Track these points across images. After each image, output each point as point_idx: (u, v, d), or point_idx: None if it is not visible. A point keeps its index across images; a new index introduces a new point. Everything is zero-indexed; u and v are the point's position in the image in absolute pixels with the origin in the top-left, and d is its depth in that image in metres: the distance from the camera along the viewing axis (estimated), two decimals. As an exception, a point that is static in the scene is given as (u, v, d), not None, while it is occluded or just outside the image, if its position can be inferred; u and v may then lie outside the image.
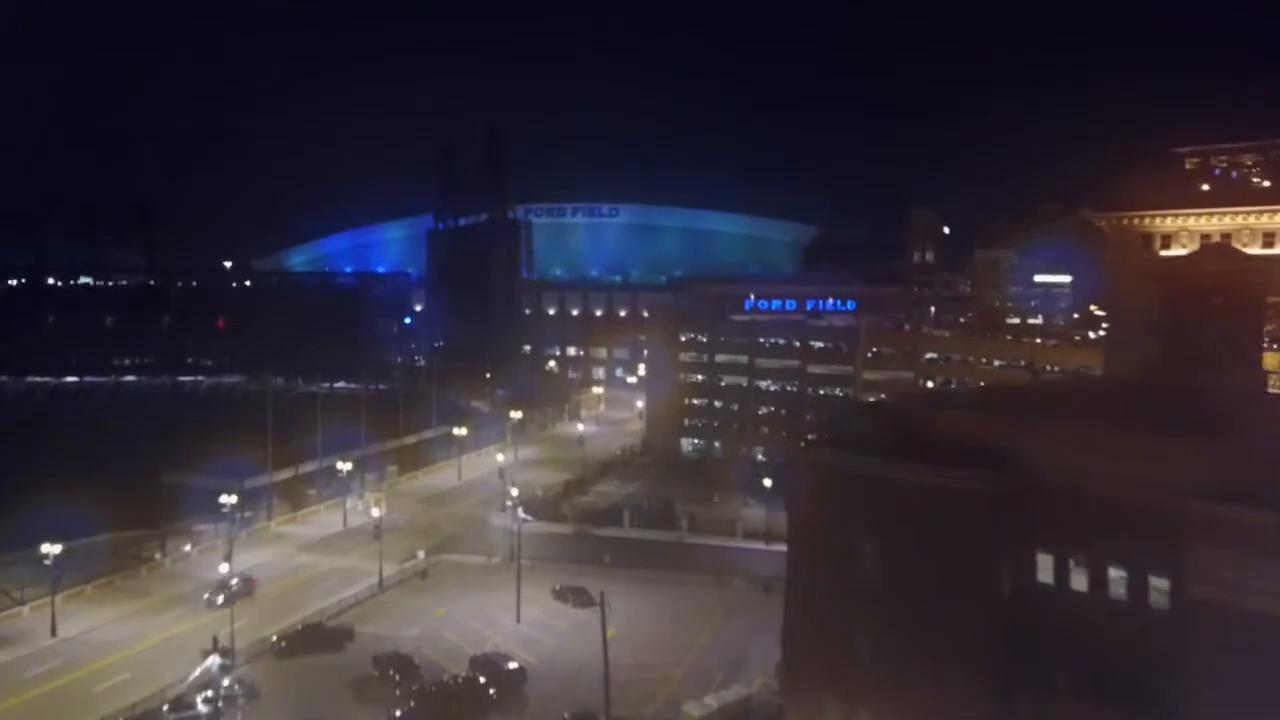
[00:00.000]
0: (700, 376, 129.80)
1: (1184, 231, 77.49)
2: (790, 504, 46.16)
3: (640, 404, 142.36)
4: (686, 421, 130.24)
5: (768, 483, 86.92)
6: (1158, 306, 74.64)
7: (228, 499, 79.54)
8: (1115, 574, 36.19)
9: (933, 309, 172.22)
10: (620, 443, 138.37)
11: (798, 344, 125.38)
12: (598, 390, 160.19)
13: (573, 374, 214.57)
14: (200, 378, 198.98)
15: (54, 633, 63.75)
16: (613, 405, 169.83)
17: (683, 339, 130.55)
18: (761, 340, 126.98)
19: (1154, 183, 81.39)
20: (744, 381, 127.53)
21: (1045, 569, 37.83)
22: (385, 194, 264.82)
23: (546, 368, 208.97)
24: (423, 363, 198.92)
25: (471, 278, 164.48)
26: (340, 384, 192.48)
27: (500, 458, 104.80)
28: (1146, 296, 76.99)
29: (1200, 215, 75.92)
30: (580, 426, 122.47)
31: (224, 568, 70.29)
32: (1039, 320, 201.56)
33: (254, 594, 71.27)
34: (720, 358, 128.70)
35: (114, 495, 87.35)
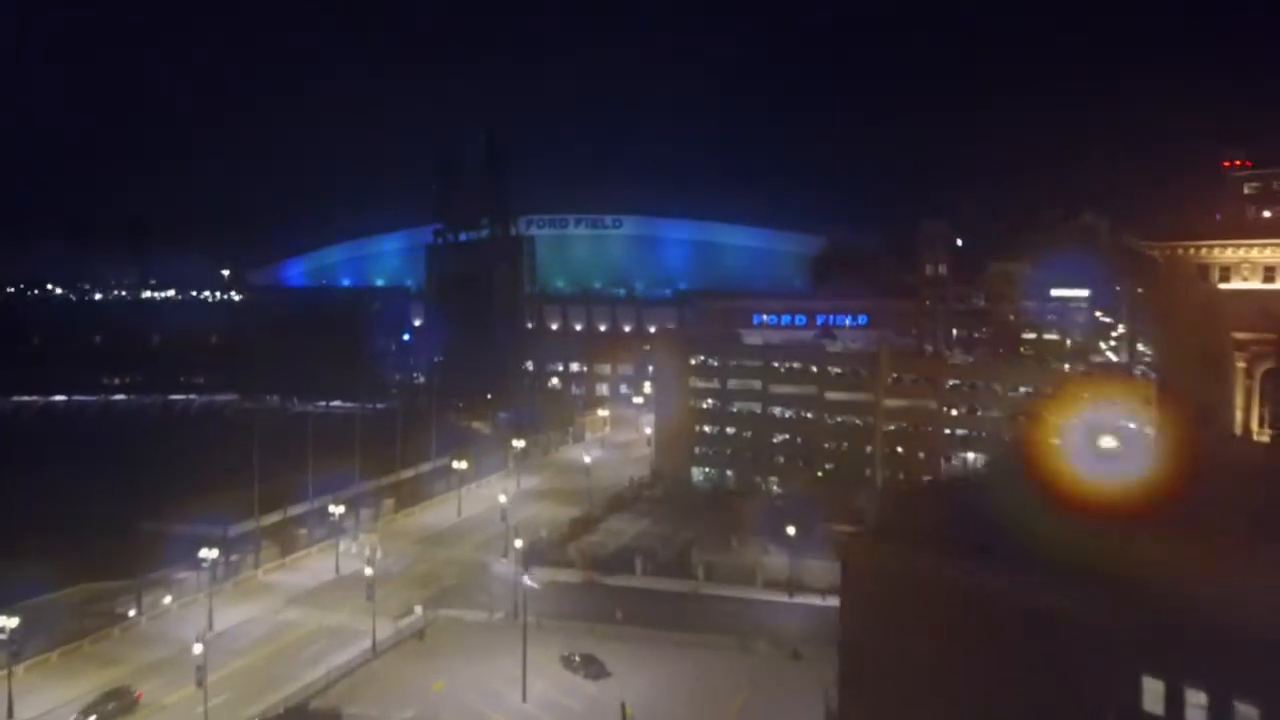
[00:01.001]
0: (711, 402, 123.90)
1: (1246, 264, 71.48)
2: (844, 606, 40.15)
3: (649, 430, 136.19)
4: (697, 449, 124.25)
5: (791, 530, 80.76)
6: (1220, 345, 68.70)
7: (208, 553, 73.33)
8: (1243, 710, 30.36)
9: (954, 331, 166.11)
10: (627, 470, 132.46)
11: (814, 369, 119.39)
12: (603, 413, 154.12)
13: (576, 390, 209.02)
14: (192, 396, 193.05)
15: (10, 715, 57.77)
16: (618, 426, 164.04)
17: (692, 362, 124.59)
18: (776, 365, 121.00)
19: (1209, 208, 75.55)
20: (758, 408, 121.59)
21: (1154, 697, 32.03)
22: (384, 205, 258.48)
23: (549, 385, 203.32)
24: (422, 380, 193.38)
25: (472, 296, 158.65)
26: (336, 403, 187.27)
27: (503, 499, 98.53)
28: (1207, 334, 71.40)
29: (1266, 246, 69.90)
30: (586, 459, 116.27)
31: (200, 636, 64.24)
32: (1056, 335, 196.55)
33: (134, 711, 59.86)
34: (732, 383, 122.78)
35: (91, 540, 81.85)
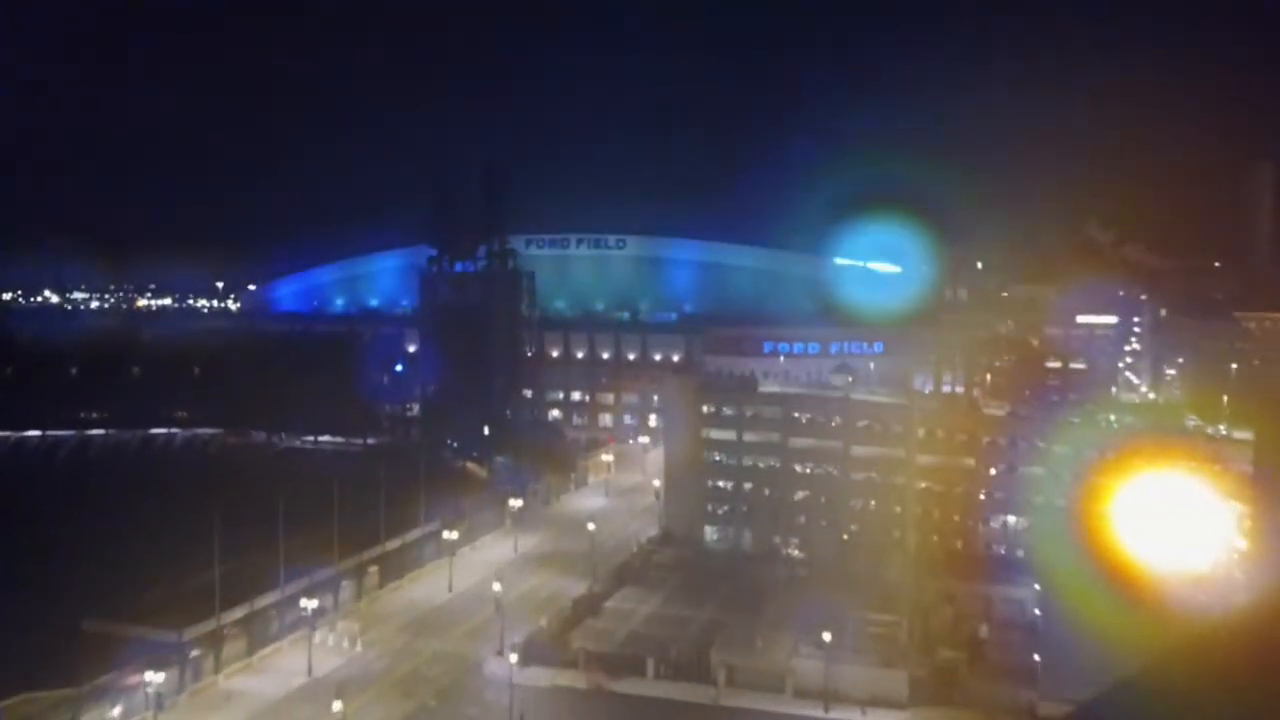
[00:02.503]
0: (725, 456, 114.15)
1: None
2: None
3: (657, 482, 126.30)
4: (710, 506, 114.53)
5: (827, 636, 70.88)
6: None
7: (154, 676, 63.46)
8: None
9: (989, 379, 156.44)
10: (634, 525, 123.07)
11: (839, 421, 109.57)
12: (607, 458, 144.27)
13: (578, 420, 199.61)
14: (174, 430, 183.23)
15: None
16: (623, 463, 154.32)
17: (705, 411, 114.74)
18: (797, 416, 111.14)
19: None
20: (776, 463, 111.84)
21: None
22: (380, 222, 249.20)
23: (550, 416, 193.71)
24: (415, 409, 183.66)
25: (467, 328, 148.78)
26: (325, 438, 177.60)
27: (497, 587, 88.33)
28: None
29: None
30: (590, 526, 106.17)
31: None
32: (1082, 365, 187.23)
33: None
34: (749, 436, 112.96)
35: (41, 636, 72.54)
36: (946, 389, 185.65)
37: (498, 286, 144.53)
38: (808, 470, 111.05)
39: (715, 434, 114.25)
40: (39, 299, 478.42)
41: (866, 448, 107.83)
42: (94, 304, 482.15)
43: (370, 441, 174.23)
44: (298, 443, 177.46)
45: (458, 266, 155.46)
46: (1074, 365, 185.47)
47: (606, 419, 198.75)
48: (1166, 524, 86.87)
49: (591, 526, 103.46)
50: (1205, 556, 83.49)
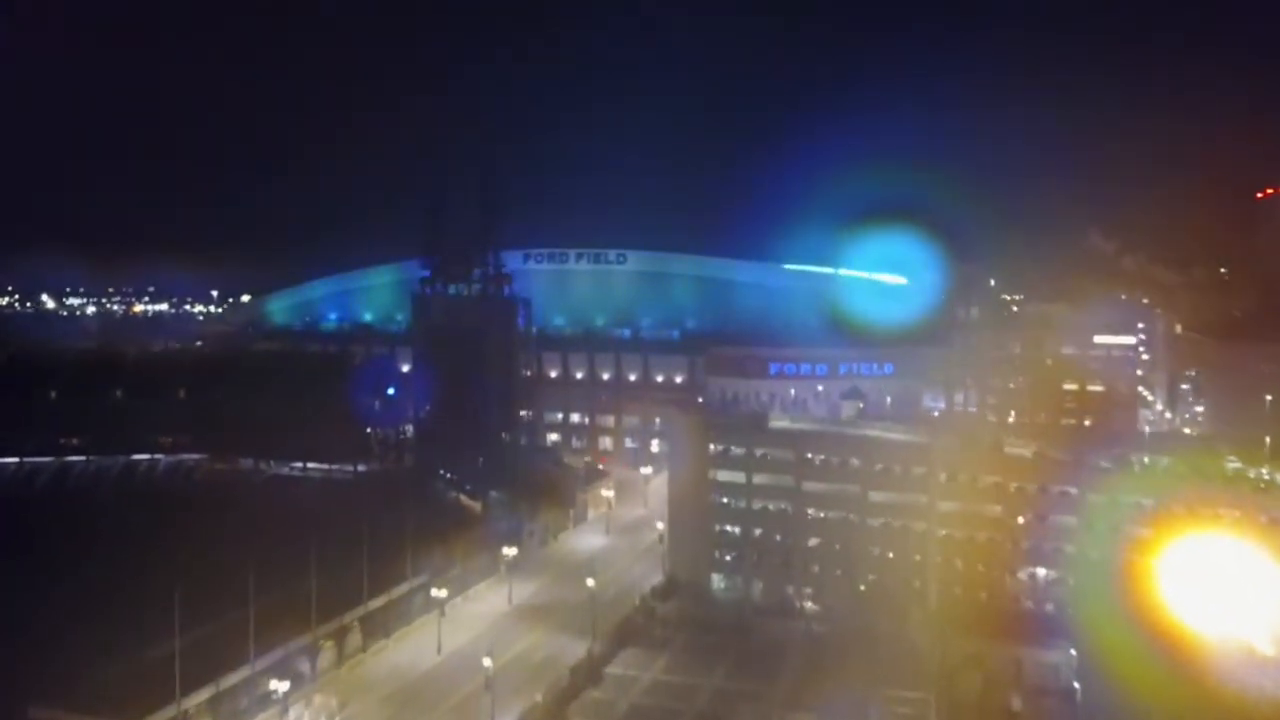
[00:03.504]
0: (734, 499, 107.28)
1: None
2: None
3: (660, 524, 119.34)
4: (718, 553, 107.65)
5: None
6: None
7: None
8: None
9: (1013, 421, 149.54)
10: (637, 569, 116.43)
11: (856, 463, 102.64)
12: (607, 493, 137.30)
13: (577, 442, 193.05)
14: (159, 456, 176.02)
15: None
16: (624, 494, 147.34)
17: (712, 450, 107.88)
18: (811, 457, 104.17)
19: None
20: (788, 507, 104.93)
21: None
22: (375, 235, 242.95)
23: (548, 442, 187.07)
24: (409, 431, 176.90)
25: (460, 355, 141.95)
26: (313, 465, 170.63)
27: (487, 662, 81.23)
28: None
29: None
30: (590, 581, 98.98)
31: None
32: (1100, 388, 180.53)
33: None
34: (759, 479, 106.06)
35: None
36: (959, 408, 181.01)
37: (492, 313, 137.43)
38: (822, 515, 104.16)
39: (723, 475, 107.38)
40: (33, 305, 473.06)
41: (886, 494, 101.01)
42: (90, 309, 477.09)
43: (361, 468, 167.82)
44: (286, 469, 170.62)
45: (451, 289, 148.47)
46: (1092, 388, 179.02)
47: (607, 442, 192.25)
48: (1219, 588, 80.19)
49: (591, 583, 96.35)
50: (1264, 629, 76.69)
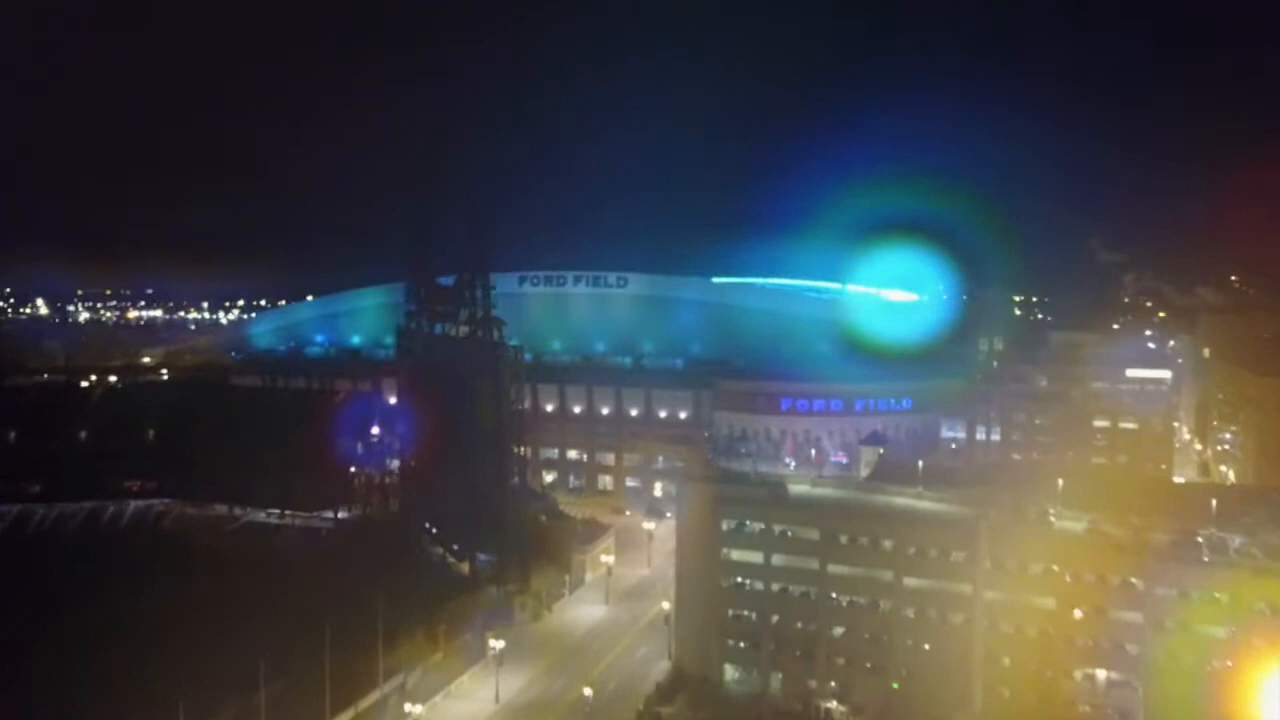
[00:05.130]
0: (750, 580, 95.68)
1: None
2: None
3: (666, 604, 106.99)
4: (731, 641, 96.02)
5: None
6: None
7: None
8: None
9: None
10: (640, 649, 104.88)
11: (888, 544, 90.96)
12: (607, 559, 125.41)
13: (574, 480, 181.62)
14: (129, 501, 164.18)
15: None
16: (625, 545, 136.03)
17: (725, 528, 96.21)
18: (839, 536, 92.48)
19: None
20: (812, 591, 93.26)
21: None
22: (360, 258, 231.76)
23: (545, 482, 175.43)
24: (394, 466, 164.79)
25: (447, 405, 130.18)
26: (289, 514, 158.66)
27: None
28: None
29: None
30: (587, 691, 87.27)
31: None
32: (1133, 424, 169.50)
33: None
34: (778, 559, 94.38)
35: None
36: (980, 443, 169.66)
37: (481, 358, 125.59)
38: (849, 601, 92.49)
39: (737, 554, 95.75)
40: (27, 310, 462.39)
41: (923, 579, 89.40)
42: (83, 316, 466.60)
43: (342, 514, 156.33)
44: (262, 515, 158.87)
45: (437, 328, 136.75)
46: (1124, 424, 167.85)
47: (606, 481, 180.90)
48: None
49: (589, 691, 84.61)
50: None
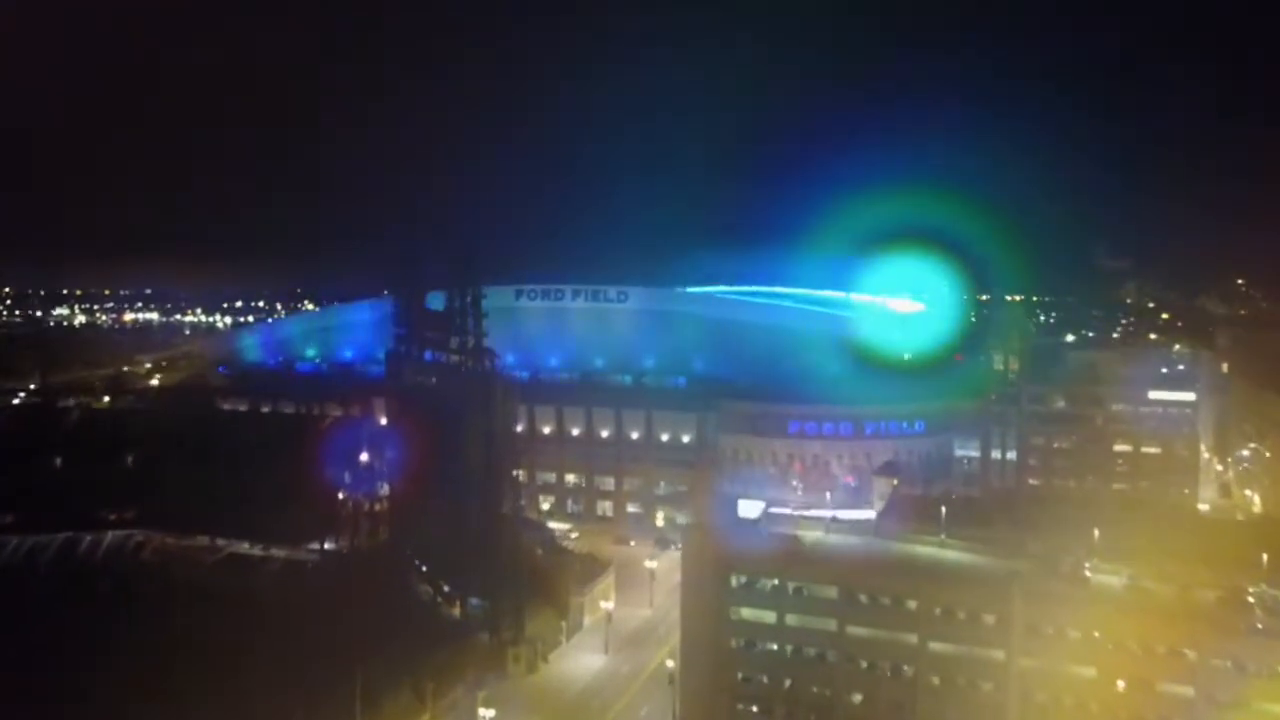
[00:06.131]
0: (761, 642, 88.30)
1: None
2: None
3: (670, 662, 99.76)
4: (740, 705, 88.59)
5: None
6: None
7: None
8: None
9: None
10: (642, 705, 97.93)
11: (913, 605, 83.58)
12: (606, 605, 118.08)
13: (572, 506, 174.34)
14: (107, 533, 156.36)
15: None
16: (625, 582, 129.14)
17: (734, 585, 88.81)
18: (861, 598, 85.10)
19: None
20: (829, 653, 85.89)
21: None
22: (359, 260, 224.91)
23: (541, 509, 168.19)
24: (384, 492, 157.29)
25: (438, 434, 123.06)
26: (273, 547, 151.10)
27: None
28: None
29: None
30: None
31: None
32: (1157, 449, 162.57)
33: None
34: (791, 619, 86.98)
35: None
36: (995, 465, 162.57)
37: (473, 392, 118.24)
38: (869, 666, 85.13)
39: (748, 614, 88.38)
40: (23, 313, 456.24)
41: (950, 645, 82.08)
42: (80, 319, 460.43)
43: (328, 547, 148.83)
44: (245, 547, 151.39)
45: (427, 355, 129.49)
46: (1146, 449, 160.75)
47: (606, 507, 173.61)
48: None
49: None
50: None
